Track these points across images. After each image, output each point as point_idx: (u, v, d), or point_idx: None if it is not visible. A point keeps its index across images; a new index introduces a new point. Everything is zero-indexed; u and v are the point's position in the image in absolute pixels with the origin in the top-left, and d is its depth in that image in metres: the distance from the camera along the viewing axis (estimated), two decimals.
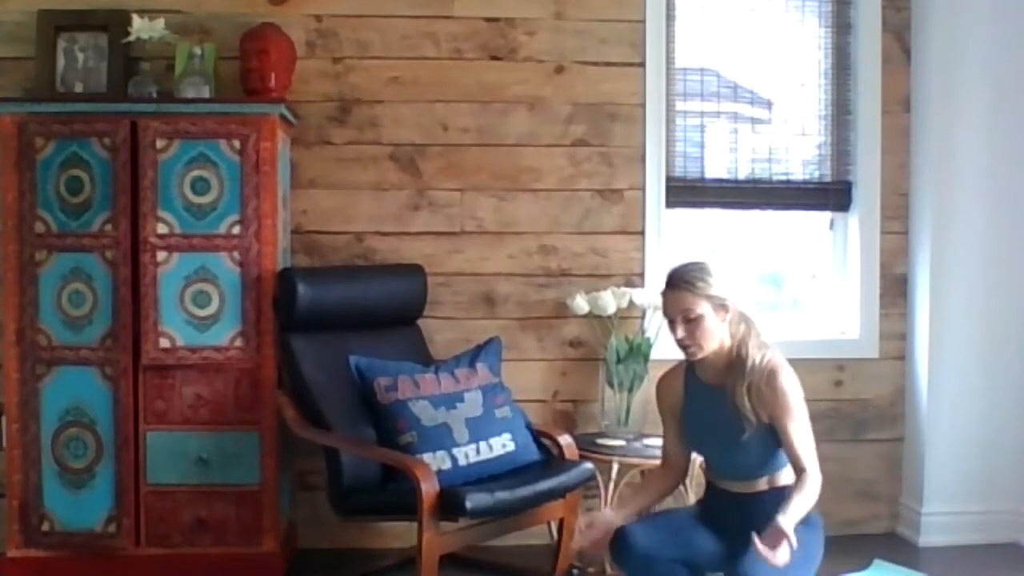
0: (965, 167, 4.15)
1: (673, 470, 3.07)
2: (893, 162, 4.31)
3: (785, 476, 2.81)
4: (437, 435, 3.44)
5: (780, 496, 2.70)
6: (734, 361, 2.82)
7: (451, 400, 3.55)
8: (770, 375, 2.76)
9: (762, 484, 2.83)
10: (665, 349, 4.06)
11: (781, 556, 2.49)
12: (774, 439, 2.77)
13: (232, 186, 3.62)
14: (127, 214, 3.59)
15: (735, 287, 2.86)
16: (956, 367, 4.17)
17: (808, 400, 4.28)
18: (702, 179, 4.32)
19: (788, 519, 2.54)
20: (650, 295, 4.09)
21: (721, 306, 2.79)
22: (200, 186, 3.61)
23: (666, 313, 2.85)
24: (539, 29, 4.16)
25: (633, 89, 4.19)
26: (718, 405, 2.82)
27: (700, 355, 2.83)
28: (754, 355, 2.79)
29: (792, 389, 2.76)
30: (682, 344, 2.83)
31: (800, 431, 2.74)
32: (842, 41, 4.34)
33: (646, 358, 4.03)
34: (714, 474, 2.97)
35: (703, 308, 2.77)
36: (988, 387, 4.18)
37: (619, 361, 4.02)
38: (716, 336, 2.80)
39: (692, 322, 2.78)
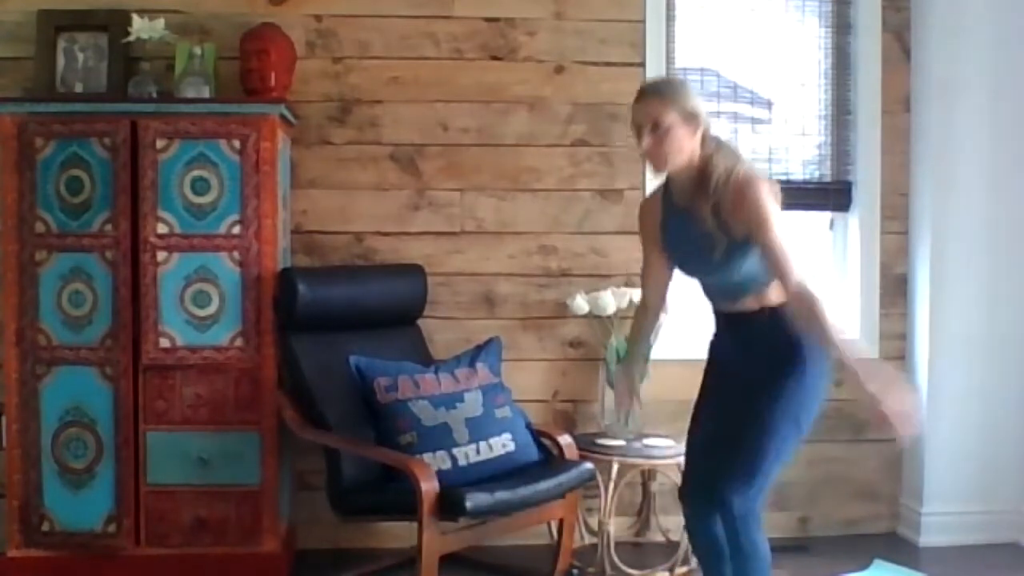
0: (965, 167, 4.15)
1: (651, 308, 3.12)
2: (893, 162, 4.31)
3: (774, 294, 2.74)
4: (437, 435, 3.44)
5: (775, 316, 2.68)
6: (701, 180, 2.73)
7: (451, 400, 3.55)
8: (738, 191, 2.66)
9: (750, 303, 2.77)
10: (665, 349, 4.07)
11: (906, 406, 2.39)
12: (749, 252, 2.70)
13: (232, 186, 3.62)
14: (127, 214, 3.59)
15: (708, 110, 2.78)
16: (956, 367, 4.17)
17: None
18: None
19: (844, 350, 2.50)
20: None
21: (691, 119, 2.72)
22: (200, 186, 3.61)
23: (634, 122, 2.78)
24: (539, 29, 4.17)
25: (633, 89, 4.07)
26: (691, 226, 2.77)
27: (664, 169, 2.77)
28: (720, 173, 2.69)
29: (763, 200, 2.64)
30: (647, 155, 2.76)
31: (775, 243, 2.62)
32: (842, 41, 4.34)
33: (646, 358, 4.03)
34: (705, 295, 2.92)
35: (671, 118, 2.70)
36: (988, 387, 4.18)
37: (619, 361, 4.01)
38: (683, 150, 2.72)
39: (658, 132, 2.71)
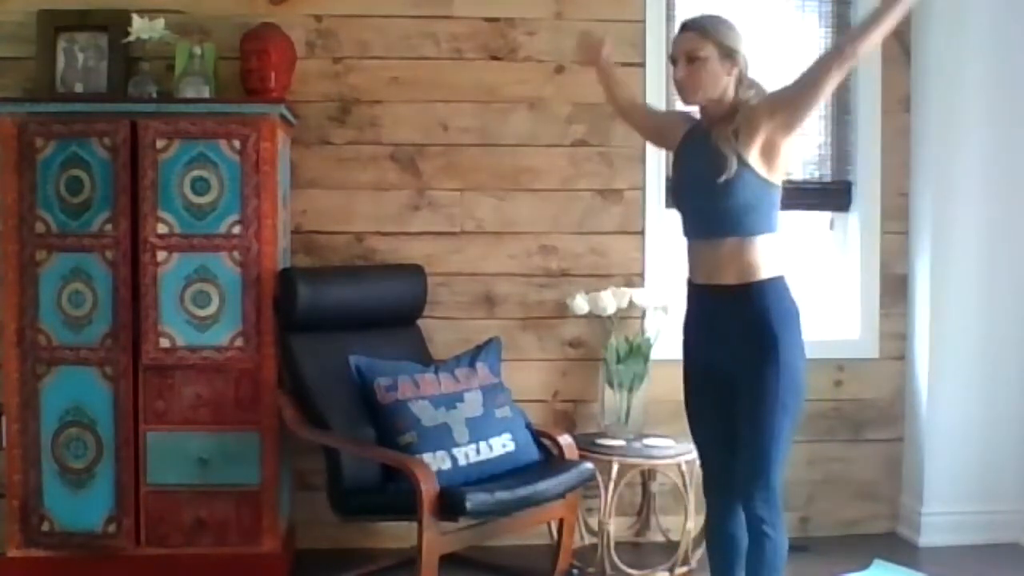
0: (965, 167, 4.15)
1: (635, 110, 3.28)
2: (893, 162, 4.31)
3: (755, 254, 2.76)
4: (437, 435, 3.44)
5: (747, 295, 2.73)
6: (732, 113, 2.79)
7: (451, 400, 3.55)
8: (769, 98, 2.78)
9: (730, 248, 2.76)
10: (665, 349, 4.07)
11: None
12: (751, 185, 2.74)
13: (232, 186, 3.62)
14: (127, 214, 3.59)
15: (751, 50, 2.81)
16: (956, 367, 4.17)
17: (808, 400, 4.28)
18: None
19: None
20: (650, 295, 4.10)
21: (729, 56, 2.77)
22: (200, 186, 3.61)
23: (672, 54, 2.84)
24: (539, 29, 4.17)
25: (633, 89, 4.18)
26: (704, 147, 2.80)
27: (694, 100, 2.83)
28: (750, 98, 2.78)
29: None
30: (679, 85, 2.82)
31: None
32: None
33: (646, 358, 4.03)
34: (688, 233, 2.90)
35: (708, 51, 2.75)
36: (988, 387, 4.18)
37: (619, 361, 4.02)
38: (716, 85, 2.78)
39: (694, 63, 2.76)
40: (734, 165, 2.72)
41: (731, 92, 2.80)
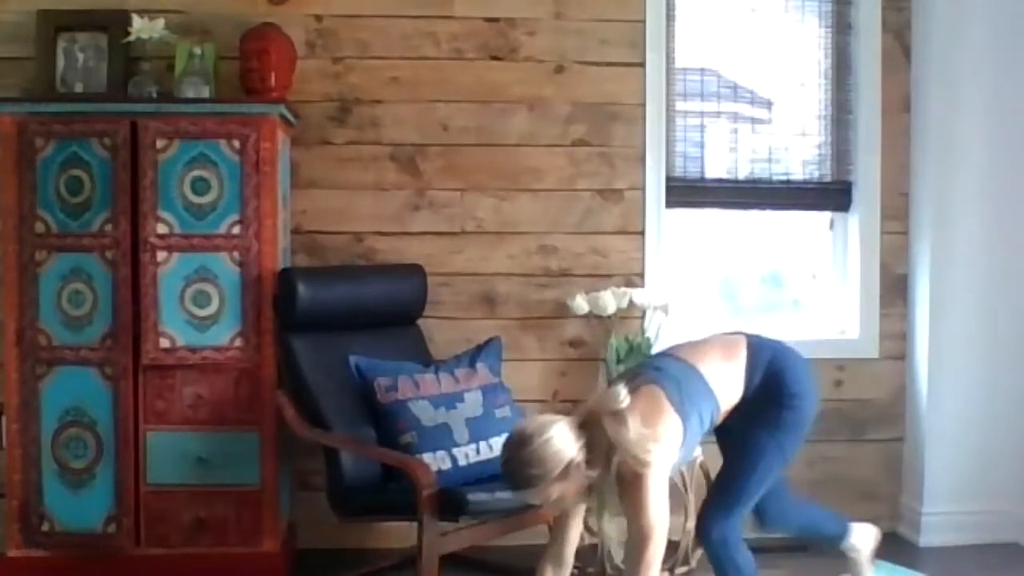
0: (965, 167, 4.15)
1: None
2: (893, 162, 4.31)
3: (732, 392, 2.89)
4: (437, 435, 3.44)
5: (755, 387, 2.88)
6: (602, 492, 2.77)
7: (451, 400, 3.55)
8: (629, 482, 2.70)
9: (728, 411, 2.91)
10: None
11: None
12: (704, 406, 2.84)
13: (232, 186, 3.62)
14: (127, 214, 3.59)
15: (563, 437, 2.65)
16: (956, 367, 4.17)
17: None
18: (702, 179, 4.32)
19: None
20: (650, 295, 4.09)
21: (565, 470, 2.66)
22: (200, 186, 3.61)
23: (531, 502, 2.81)
24: (539, 29, 4.16)
25: (633, 89, 4.19)
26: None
27: (589, 501, 2.82)
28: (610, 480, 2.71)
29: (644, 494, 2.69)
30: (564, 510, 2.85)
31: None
32: (842, 41, 4.34)
33: (646, 358, 4.03)
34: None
35: (555, 488, 2.67)
36: (988, 387, 4.18)
37: (619, 361, 4.01)
38: (581, 488, 2.73)
39: (557, 501, 2.73)
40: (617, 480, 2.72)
41: (592, 473, 2.70)
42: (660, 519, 2.67)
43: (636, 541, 2.68)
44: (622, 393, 2.69)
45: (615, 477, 2.68)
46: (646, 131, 4.19)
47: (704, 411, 2.85)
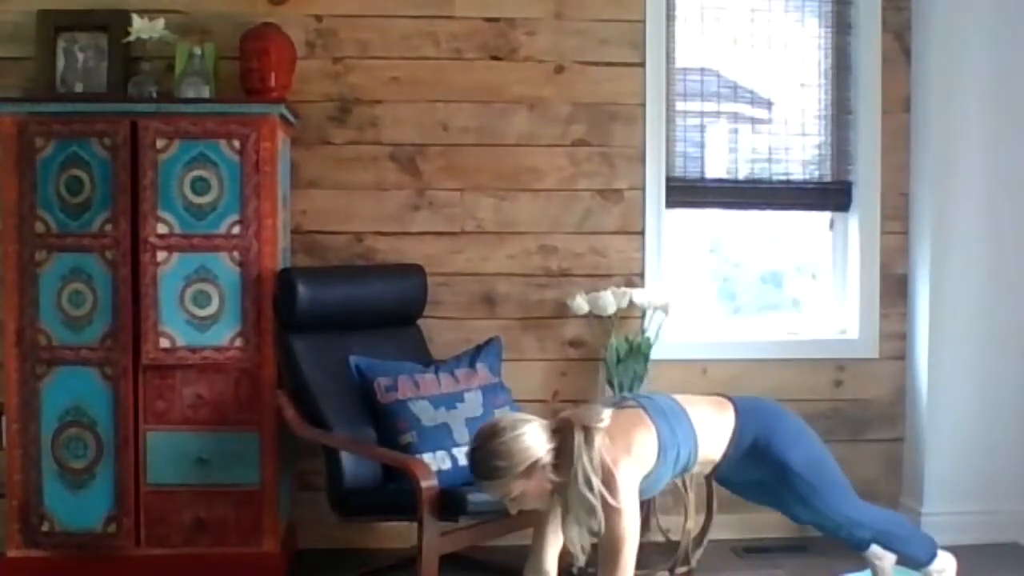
0: (965, 167, 4.15)
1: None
2: (893, 162, 4.31)
3: (714, 443, 2.91)
4: (437, 435, 3.44)
5: (730, 451, 2.91)
6: (565, 498, 2.73)
7: (451, 400, 3.55)
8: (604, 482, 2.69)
9: (706, 464, 2.94)
10: (665, 349, 4.08)
11: None
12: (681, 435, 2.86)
13: (232, 186, 3.62)
14: (127, 214, 3.59)
15: (534, 436, 2.68)
16: (956, 367, 4.17)
17: (808, 400, 4.30)
18: (702, 179, 4.32)
19: None
20: (650, 295, 4.09)
21: (530, 468, 2.67)
22: (200, 186, 3.61)
23: (490, 495, 2.80)
24: (539, 29, 4.16)
25: (633, 89, 4.19)
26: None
27: (546, 506, 2.80)
28: (577, 503, 2.68)
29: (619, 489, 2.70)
30: (522, 512, 2.83)
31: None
32: (842, 41, 4.34)
33: (646, 358, 4.03)
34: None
35: (517, 485, 2.68)
36: (988, 387, 4.18)
37: (619, 361, 4.02)
38: (542, 491, 2.72)
39: (516, 499, 2.73)
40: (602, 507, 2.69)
41: (556, 478, 2.70)
42: (631, 527, 2.70)
43: (608, 548, 2.70)
44: (604, 413, 2.72)
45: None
46: (646, 131, 4.19)
47: (683, 450, 2.84)
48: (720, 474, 3.04)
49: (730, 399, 3.01)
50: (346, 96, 4.10)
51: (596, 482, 2.65)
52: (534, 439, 2.67)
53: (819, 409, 4.26)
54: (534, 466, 2.67)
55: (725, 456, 2.94)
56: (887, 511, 3.37)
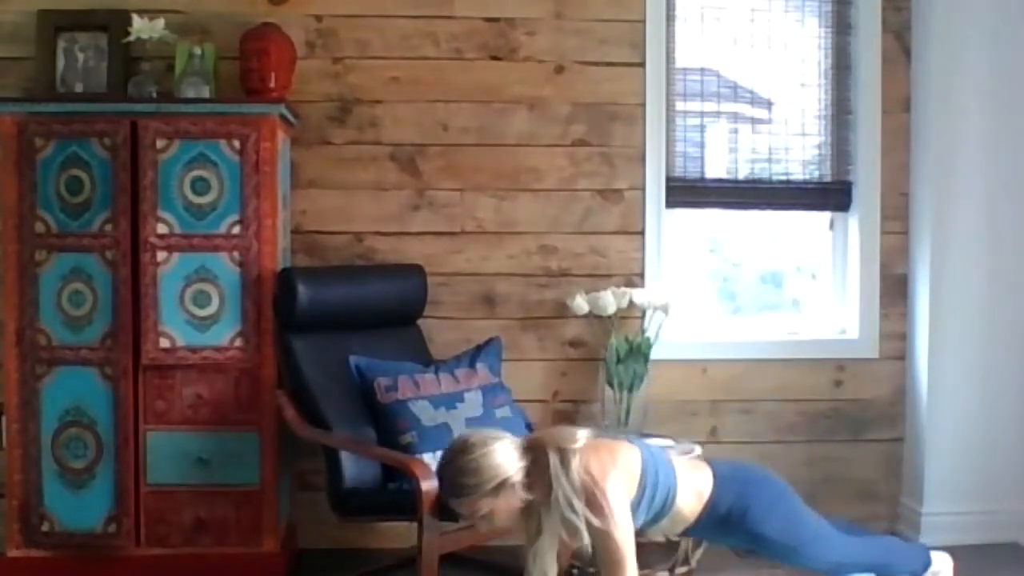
0: (965, 167, 4.15)
1: None
2: (893, 162, 4.31)
3: (692, 495, 2.85)
4: (437, 435, 3.44)
5: (706, 516, 2.84)
6: (539, 520, 2.72)
7: (451, 400, 3.55)
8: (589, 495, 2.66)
9: (681, 519, 2.88)
10: (665, 349, 4.08)
11: None
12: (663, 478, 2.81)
13: (232, 186, 3.62)
14: (127, 214, 3.59)
15: (505, 454, 2.67)
16: (956, 367, 4.17)
17: (808, 400, 4.29)
18: (702, 179, 4.32)
19: None
20: (650, 295, 4.09)
21: (500, 487, 2.66)
22: (200, 186, 3.61)
23: (459, 512, 2.79)
24: (539, 29, 4.16)
25: (633, 89, 4.19)
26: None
27: (512, 526, 2.79)
28: (559, 526, 2.67)
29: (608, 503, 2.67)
30: (494, 530, 2.82)
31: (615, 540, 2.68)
32: (842, 41, 4.34)
33: (646, 358, 4.03)
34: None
35: (486, 503, 2.67)
36: (988, 387, 4.18)
37: (619, 361, 4.02)
38: (512, 510, 2.71)
39: (485, 516, 2.72)
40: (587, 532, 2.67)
41: (527, 496, 2.69)
42: (627, 547, 2.68)
43: (609, 566, 2.68)
44: (580, 434, 2.69)
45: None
46: (646, 131, 4.19)
47: (660, 488, 2.80)
48: (691, 535, 3.01)
49: (708, 463, 2.97)
50: (346, 96, 4.10)
51: (579, 504, 2.63)
52: (505, 457, 2.66)
53: (819, 409, 4.26)
54: (503, 484, 2.66)
55: (698, 520, 2.88)
56: (872, 537, 3.26)
